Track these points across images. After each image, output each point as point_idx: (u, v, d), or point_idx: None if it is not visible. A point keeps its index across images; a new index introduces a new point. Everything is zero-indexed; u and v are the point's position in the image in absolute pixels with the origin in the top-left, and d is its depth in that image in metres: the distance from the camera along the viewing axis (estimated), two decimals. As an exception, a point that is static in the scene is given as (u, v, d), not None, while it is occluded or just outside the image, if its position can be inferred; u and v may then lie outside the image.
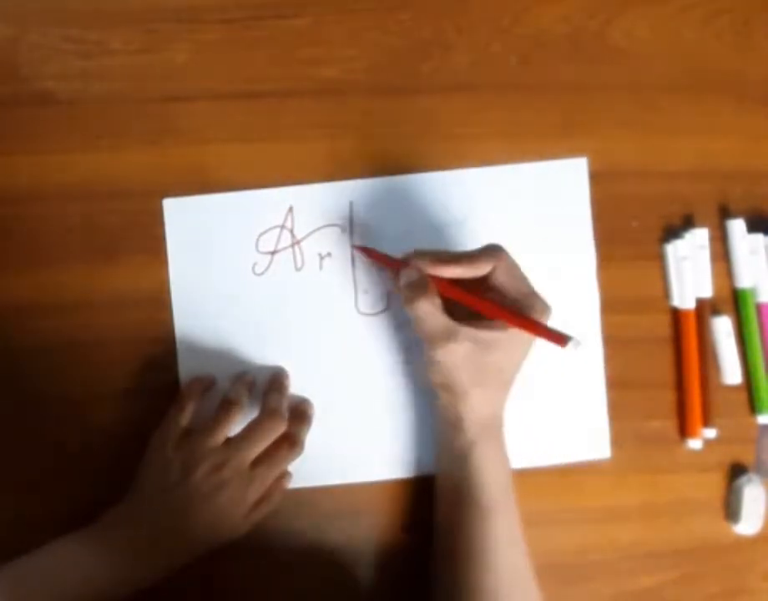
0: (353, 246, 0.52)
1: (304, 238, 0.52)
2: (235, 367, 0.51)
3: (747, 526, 0.52)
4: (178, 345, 0.51)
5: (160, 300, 0.52)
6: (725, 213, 0.54)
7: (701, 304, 0.53)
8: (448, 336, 0.44)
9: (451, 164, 0.52)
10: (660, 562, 0.52)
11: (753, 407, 0.53)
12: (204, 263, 0.52)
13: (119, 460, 0.50)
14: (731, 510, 0.52)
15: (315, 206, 0.52)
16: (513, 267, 0.46)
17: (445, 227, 0.52)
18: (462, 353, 0.44)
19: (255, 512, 0.49)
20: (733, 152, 0.54)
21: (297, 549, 0.51)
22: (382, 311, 0.52)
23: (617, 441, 0.52)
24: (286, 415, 0.49)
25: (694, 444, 0.52)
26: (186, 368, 0.51)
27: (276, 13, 0.53)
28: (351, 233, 0.52)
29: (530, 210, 0.52)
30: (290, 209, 0.52)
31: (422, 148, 0.53)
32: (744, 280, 0.53)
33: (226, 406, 0.49)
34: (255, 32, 0.53)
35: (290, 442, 0.49)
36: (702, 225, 0.53)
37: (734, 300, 0.54)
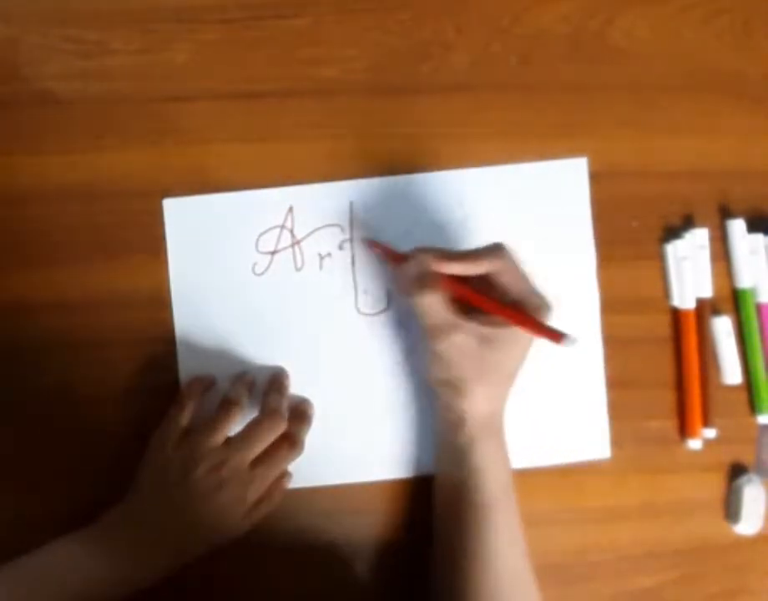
0: (361, 239, 0.52)
1: (304, 238, 0.52)
2: (235, 367, 0.51)
3: (747, 526, 0.52)
4: (178, 346, 0.51)
5: (160, 300, 0.52)
6: (725, 213, 0.54)
7: (701, 304, 0.53)
8: (451, 329, 0.44)
9: (451, 164, 0.52)
10: (660, 562, 0.52)
11: (753, 407, 0.53)
12: (204, 263, 0.52)
13: (119, 460, 0.50)
14: (731, 510, 0.52)
15: (315, 206, 0.52)
16: (515, 266, 0.46)
17: (445, 227, 0.52)
18: (464, 346, 0.44)
19: (255, 511, 0.49)
20: (733, 152, 0.54)
21: (297, 549, 0.51)
22: (382, 311, 0.52)
23: (617, 441, 0.52)
24: (286, 415, 0.49)
25: (694, 444, 0.52)
26: (186, 368, 0.51)
27: (276, 13, 0.53)
28: (351, 233, 0.52)
29: (530, 210, 0.52)
30: (290, 209, 0.52)
31: (422, 148, 0.53)
32: (744, 280, 0.53)
33: (226, 406, 0.49)
34: (255, 32, 0.53)
35: (290, 442, 0.49)
36: (702, 225, 0.53)
37: (734, 300, 0.54)
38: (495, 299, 0.45)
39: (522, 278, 0.46)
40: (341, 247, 0.52)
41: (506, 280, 0.45)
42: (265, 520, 0.49)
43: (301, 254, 0.52)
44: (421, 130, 0.53)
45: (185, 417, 0.49)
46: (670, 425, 0.53)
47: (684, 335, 0.53)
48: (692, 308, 0.53)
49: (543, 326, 0.43)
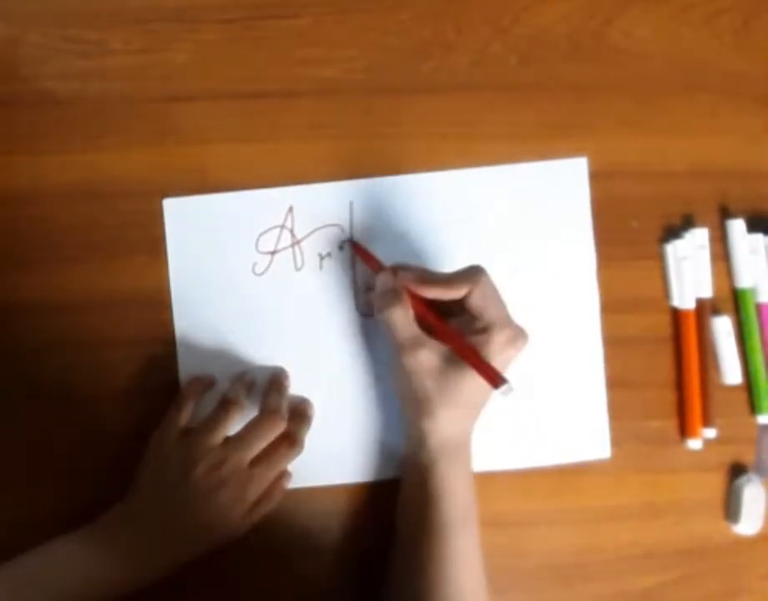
0: (347, 240, 0.52)
1: (304, 238, 0.52)
2: (235, 367, 0.51)
3: (747, 526, 0.52)
4: (178, 346, 0.51)
5: (160, 300, 0.52)
6: (724, 213, 0.54)
7: (701, 304, 0.53)
8: (417, 345, 0.45)
9: (451, 164, 0.52)
10: (660, 562, 0.52)
11: (753, 407, 0.53)
12: (204, 263, 0.52)
13: (119, 460, 0.50)
14: (731, 510, 0.52)
15: (315, 206, 0.52)
16: (491, 291, 0.46)
17: (445, 227, 0.52)
18: (428, 364, 0.45)
19: (255, 511, 0.48)
20: (732, 152, 0.54)
21: (297, 549, 0.51)
22: (382, 311, 0.52)
23: (617, 441, 0.52)
24: (286, 415, 0.49)
25: (694, 444, 0.52)
26: (186, 368, 0.51)
27: (276, 13, 0.53)
28: (351, 233, 0.52)
29: (530, 210, 0.52)
30: (290, 209, 0.52)
31: (422, 148, 0.53)
32: (744, 280, 0.53)
33: (225, 406, 0.49)
34: (255, 32, 0.53)
35: (290, 442, 0.49)
36: (702, 225, 0.53)
37: (734, 300, 0.54)
38: (446, 324, 0.45)
39: (498, 304, 0.46)
40: (341, 247, 0.52)
41: (480, 304, 0.45)
42: (265, 520, 0.49)
43: (301, 254, 0.52)
44: (421, 130, 0.53)
45: (185, 417, 0.49)
46: (670, 425, 0.53)
47: (684, 335, 0.53)
48: (692, 308, 0.53)
49: (484, 366, 0.44)
